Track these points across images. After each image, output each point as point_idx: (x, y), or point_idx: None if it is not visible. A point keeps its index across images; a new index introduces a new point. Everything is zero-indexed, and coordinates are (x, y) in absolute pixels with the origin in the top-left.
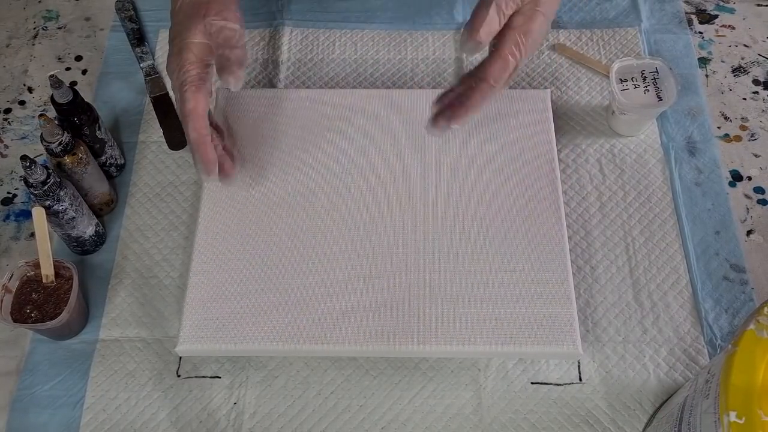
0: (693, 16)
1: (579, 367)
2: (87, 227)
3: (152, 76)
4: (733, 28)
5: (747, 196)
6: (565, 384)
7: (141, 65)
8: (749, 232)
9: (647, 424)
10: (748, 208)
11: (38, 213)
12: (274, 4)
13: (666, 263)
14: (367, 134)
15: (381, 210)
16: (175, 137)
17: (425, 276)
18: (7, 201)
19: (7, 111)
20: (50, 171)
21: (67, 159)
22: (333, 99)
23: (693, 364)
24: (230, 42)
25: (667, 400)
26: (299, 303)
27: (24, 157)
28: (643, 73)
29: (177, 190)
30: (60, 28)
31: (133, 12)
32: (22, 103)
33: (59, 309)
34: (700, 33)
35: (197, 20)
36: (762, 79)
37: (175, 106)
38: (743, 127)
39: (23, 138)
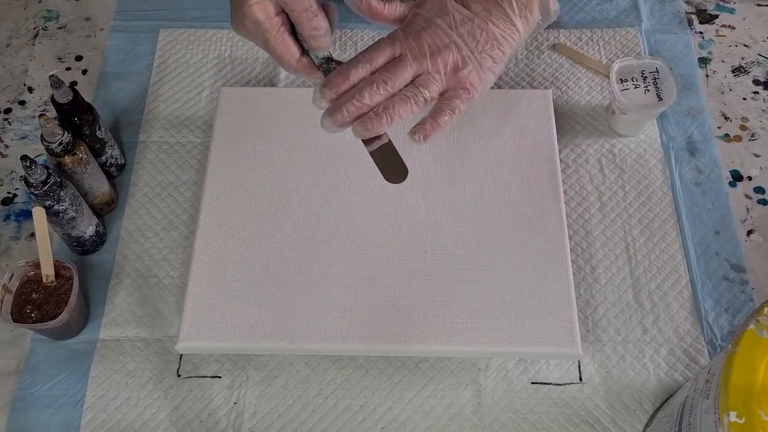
0: (693, 16)
1: (579, 367)
2: (87, 227)
3: None
4: (733, 28)
5: (747, 196)
6: (565, 384)
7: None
8: (749, 232)
9: (647, 424)
10: (748, 208)
11: (38, 213)
12: None
13: (666, 263)
14: None
15: (382, 209)
16: None
17: (426, 275)
18: (8, 201)
19: (8, 111)
20: (50, 171)
21: (67, 159)
22: None
23: (693, 364)
24: (307, 14)
25: (667, 400)
26: (300, 301)
27: (24, 157)
28: (643, 73)
29: (177, 190)
30: (60, 28)
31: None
32: (22, 103)
33: (59, 309)
34: (701, 33)
35: None
36: (762, 79)
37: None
38: (743, 127)
39: (23, 138)
